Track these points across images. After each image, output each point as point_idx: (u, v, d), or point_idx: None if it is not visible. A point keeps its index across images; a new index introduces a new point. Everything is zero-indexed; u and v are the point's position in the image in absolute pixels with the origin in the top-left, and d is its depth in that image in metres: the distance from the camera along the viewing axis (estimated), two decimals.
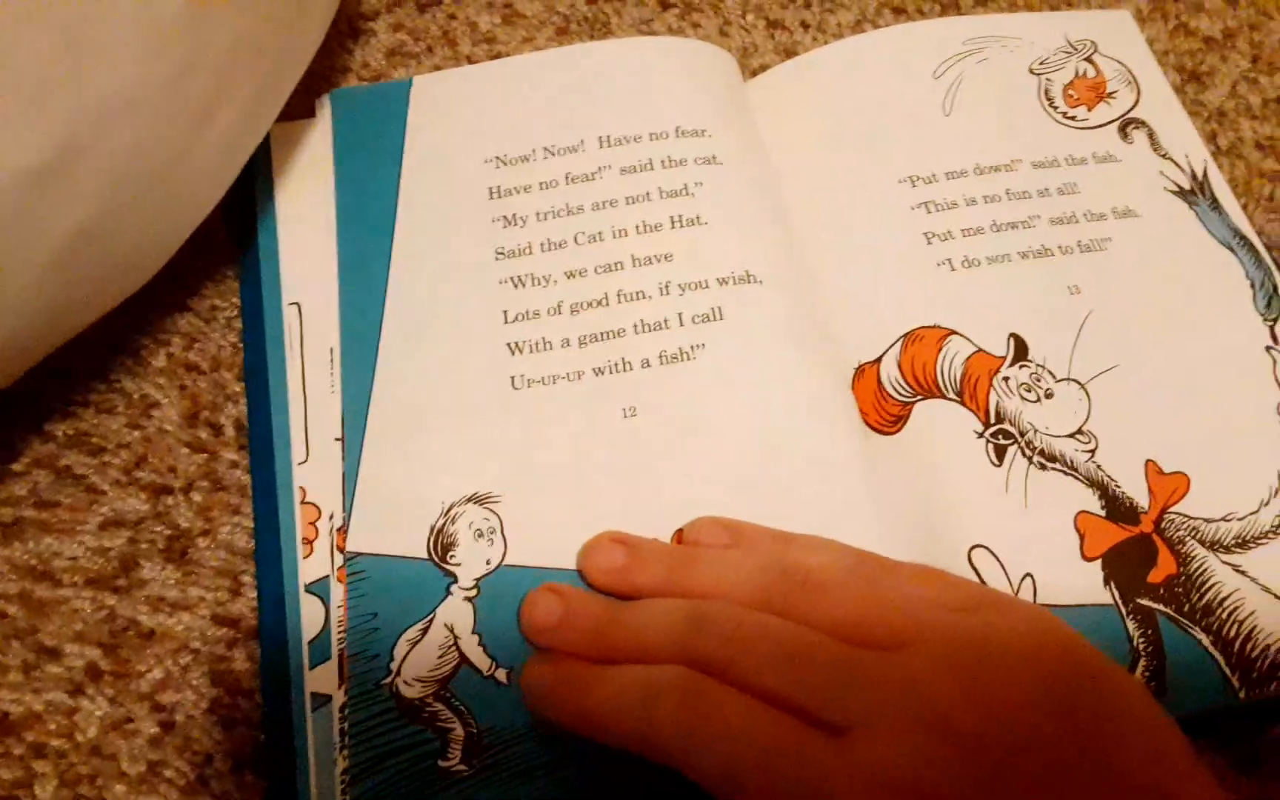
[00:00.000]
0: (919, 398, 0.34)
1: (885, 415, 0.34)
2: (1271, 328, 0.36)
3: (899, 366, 0.35)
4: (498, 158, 0.38)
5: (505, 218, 0.37)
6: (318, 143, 0.39)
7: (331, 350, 0.35)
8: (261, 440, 0.34)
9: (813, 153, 0.39)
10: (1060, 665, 0.26)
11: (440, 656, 0.30)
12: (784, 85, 0.41)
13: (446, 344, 0.35)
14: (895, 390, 0.35)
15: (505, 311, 0.35)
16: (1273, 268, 0.37)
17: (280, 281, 0.36)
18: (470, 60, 0.43)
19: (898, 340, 0.35)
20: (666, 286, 0.35)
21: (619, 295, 0.35)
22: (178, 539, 0.33)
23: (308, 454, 0.33)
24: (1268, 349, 0.36)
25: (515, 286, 0.36)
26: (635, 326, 0.35)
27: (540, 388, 0.34)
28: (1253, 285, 0.37)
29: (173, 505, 0.33)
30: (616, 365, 0.34)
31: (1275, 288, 0.37)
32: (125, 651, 0.31)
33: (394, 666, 0.30)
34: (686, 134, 0.38)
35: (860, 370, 0.35)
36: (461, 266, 0.36)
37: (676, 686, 0.26)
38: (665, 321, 0.35)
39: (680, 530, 0.32)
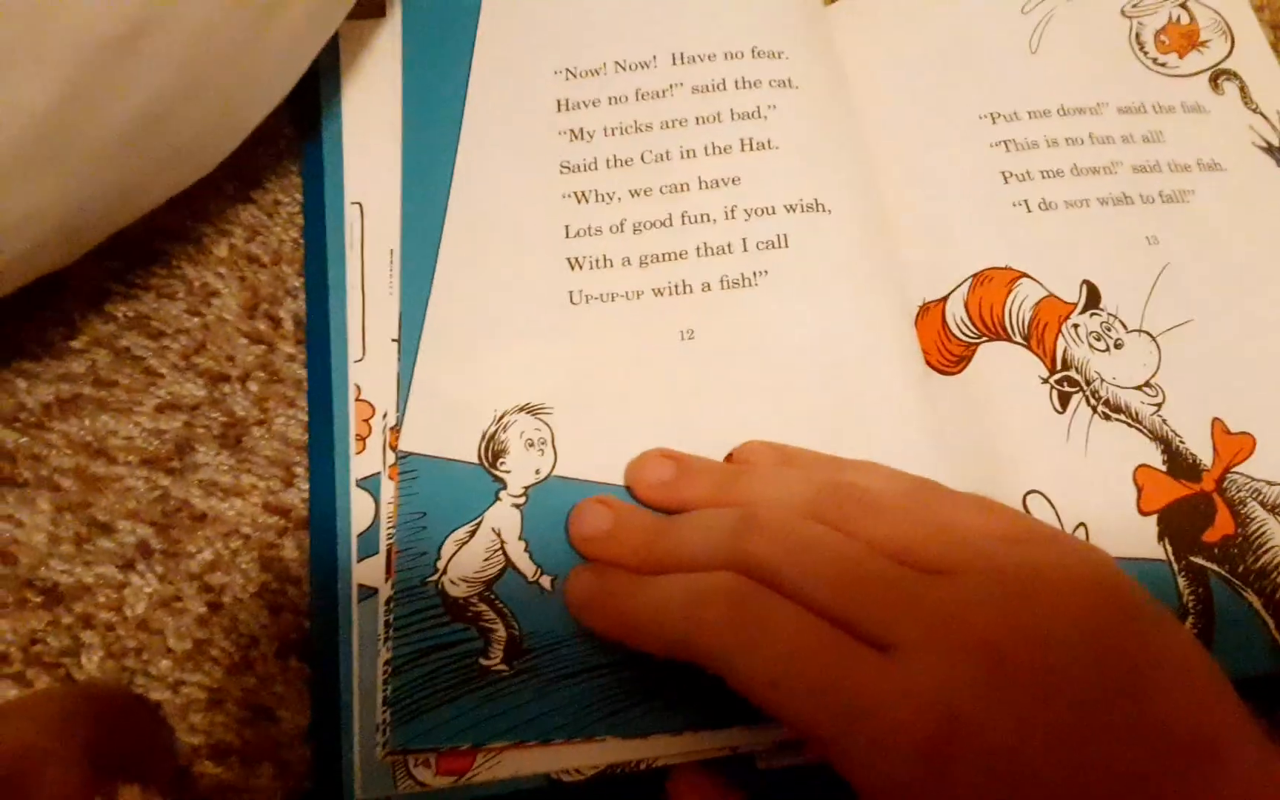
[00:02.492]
0: (984, 339, 0.34)
1: (947, 355, 0.34)
2: None
3: (966, 306, 0.34)
4: (568, 70, 0.38)
5: (572, 131, 0.37)
6: (387, 43, 0.38)
7: (391, 252, 0.35)
8: (319, 336, 0.34)
9: (892, 82, 0.38)
10: (1108, 604, 0.25)
11: (486, 559, 0.30)
12: (866, 11, 0.40)
13: (506, 253, 0.34)
14: (960, 330, 0.34)
15: (567, 226, 0.35)
16: None
17: (343, 180, 0.36)
18: None
19: (966, 279, 0.34)
20: (732, 210, 0.35)
21: (683, 217, 0.35)
22: (233, 426, 0.33)
23: (364, 352, 0.33)
24: None
25: (578, 201, 0.35)
26: (698, 249, 0.34)
27: (598, 304, 0.34)
28: None
29: (229, 393, 0.33)
30: (677, 287, 0.34)
31: None
32: (176, 532, 0.31)
33: (440, 565, 0.30)
34: (762, 55, 0.37)
35: (925, 307, 0.34)
36: (525, 178, 0.36)
37: (723, 591, 0.25)
38: (729, 246, 0.34)
39: (731, 452, 0.31)
